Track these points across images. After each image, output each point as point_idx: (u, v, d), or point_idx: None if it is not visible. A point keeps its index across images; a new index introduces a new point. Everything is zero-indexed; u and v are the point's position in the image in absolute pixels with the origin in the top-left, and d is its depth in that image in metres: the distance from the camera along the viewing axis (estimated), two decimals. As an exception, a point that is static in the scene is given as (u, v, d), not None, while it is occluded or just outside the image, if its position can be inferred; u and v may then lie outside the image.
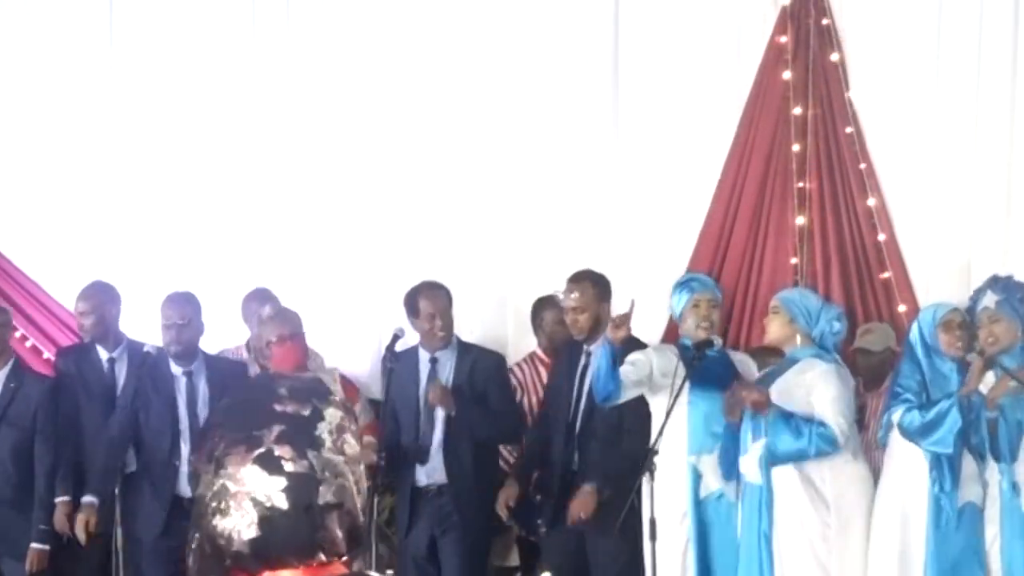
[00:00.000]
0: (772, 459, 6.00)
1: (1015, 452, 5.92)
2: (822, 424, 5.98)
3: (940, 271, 7.02)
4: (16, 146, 8.02)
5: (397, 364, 6.63)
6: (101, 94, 8.01)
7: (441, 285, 6.84)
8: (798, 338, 6.19)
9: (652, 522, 6.00)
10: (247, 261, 7.78)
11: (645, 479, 5.91)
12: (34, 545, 6.68)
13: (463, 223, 7.63)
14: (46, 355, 7.66)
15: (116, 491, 6.61)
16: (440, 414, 6.68)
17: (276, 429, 2.01)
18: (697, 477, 6.24)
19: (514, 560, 7.17)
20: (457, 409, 6.61)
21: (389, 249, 7.71)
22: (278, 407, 2.03)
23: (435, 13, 7.75)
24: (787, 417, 5.97)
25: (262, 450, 1.99)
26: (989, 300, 6.09)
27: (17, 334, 7.63)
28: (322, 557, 1.99)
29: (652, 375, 6.21)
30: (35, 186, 7.98)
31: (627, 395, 6.17)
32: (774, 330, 6.25)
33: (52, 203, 7.97)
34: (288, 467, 1.99)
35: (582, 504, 6.38)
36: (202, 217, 7.90)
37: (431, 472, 6.66)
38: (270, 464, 1.98)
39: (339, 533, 2.00)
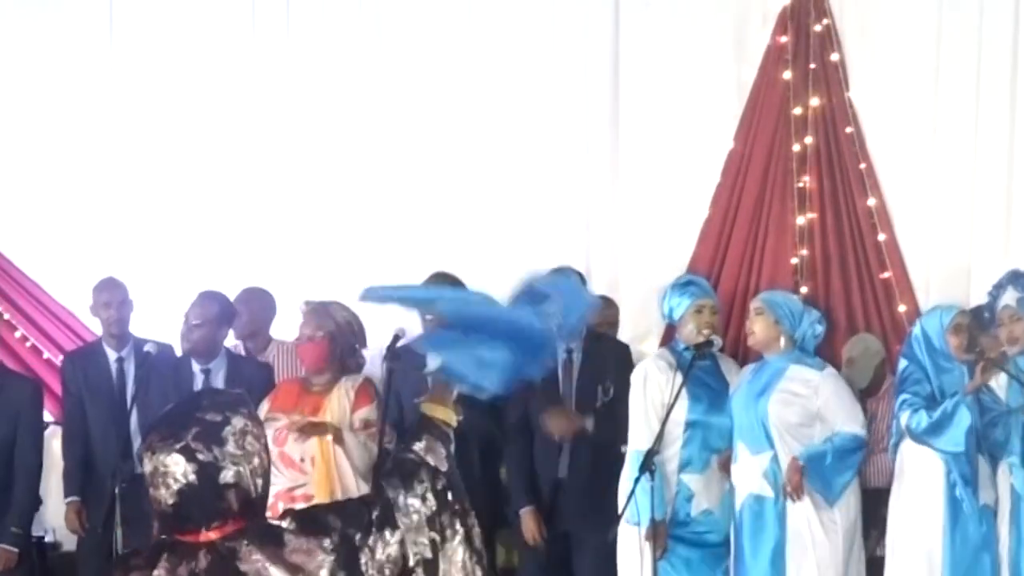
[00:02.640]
0: (837, 497, 6.00)
1: None
2: (838, 434, 6.00)
3: (940, 271, 7.02)
4: (17, 146, 8.03)
5: (399, 363, 6.60)
6: (101, 94, 8.01)
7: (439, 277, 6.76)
8: (781, 340, 6.18)
9: (652, 522, 6.00)
10: (247, 261, 7.79)
11: (645, 479, 5.89)
12: (3, 546, 6.63)
13: (463, 222, 7.64)
14: (46, 355, 7.66)
15: (116, 492, 6.58)
16: None
17: (194, 430, 2.91)
18: (689, 497, 6.23)
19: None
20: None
21: (390, 248, 7.71)
22: (198, 415, 2.95)
23: (436, 13, 7.75)
24: (813, 463, 5.99)
25: (182, 443, 2.90)
26: (1010, 298, 6.01)
27: (17, 334, 7.64)
28: (224, 520, 2.91)
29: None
30: (36, 186, 7.99)
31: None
32: (759, 332, 6.20)
33: (52, 203, 7.97)
34: (200, 456, 2.90)
35: (564, 424, 6.32)
36: (202, 217, 7.91)
37: None
38: (188, 454, 2.89)
39: (235, 505, 2.91)
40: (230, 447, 2.91)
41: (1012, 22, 6.91)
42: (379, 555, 2.96)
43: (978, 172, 7.01)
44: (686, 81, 7.39)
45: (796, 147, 7.12)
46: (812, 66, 7.12)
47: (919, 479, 5.99)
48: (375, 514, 2.98)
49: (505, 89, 7.64)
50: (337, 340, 6.33)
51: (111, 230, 7.94)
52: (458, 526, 3.08)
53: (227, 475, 2.89)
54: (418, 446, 3.12)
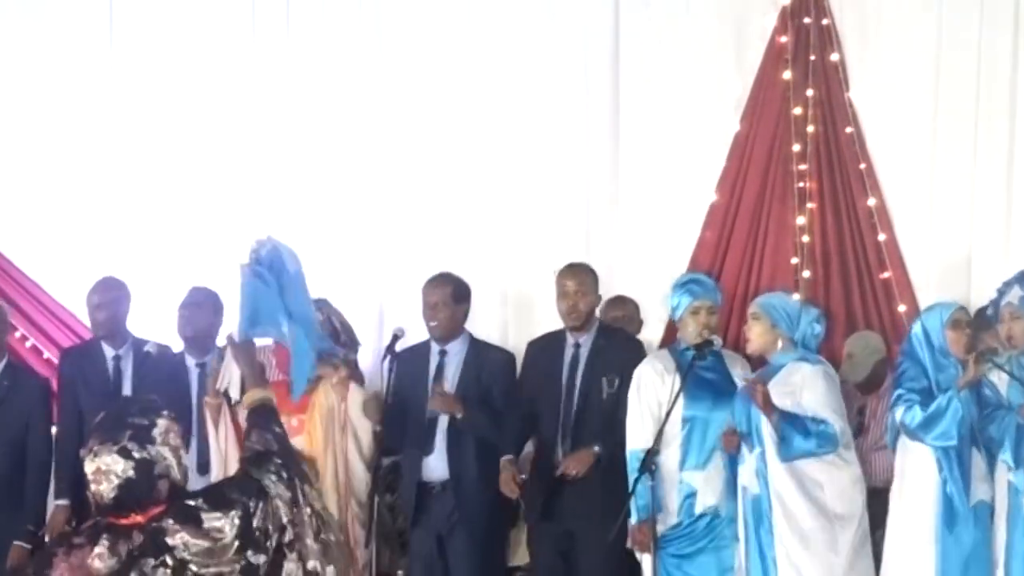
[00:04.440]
0: (785, 456, 5.97)
1: None
2: (823, 422, 5.98)
3: (940, 271, 7.02)
4: (17, 146, 8.03)
5: (397, 362, 6.61)
6: (101, 94, 8.01)
7: (443, 279, 6.72)
8: (779, 343, 6.18)
9: (653, 522, 6.01)
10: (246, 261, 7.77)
11: (645, 478, 5.90)
12: (16, 543, 6.64)
13: (463, 221, 7.64)
14: (46, 355, 7.66)
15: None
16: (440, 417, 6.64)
17: (128, 432, 3.52)
18: (691, 493, 6.23)
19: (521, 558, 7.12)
20: (465, 410, 6.52)
21: (390, 248, 7.72)
22: (130, 419, 3.56)
23: (436, 13, 7.76)
24: (792, 419, 5.96)
25: (120, 445, 3.51)
26: (1014, 296, 6.03)
27: (17, 334, 7.63)
28: (153, 505, 3.52)
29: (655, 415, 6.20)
30: (35, 186, 7.99)
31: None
32: (756, 337, 6.21)
33: (52, 203, 7.98)
34: (135, 455, 3.50)
35: (580, 461, 6.34)
36: (202, 216, 7.91)
37: (436, 467, 6.61)
38: (125, 453, 3.50)
39: (164, 492, 3.53)
40: (159, 445, 3.54)
41: (1012, 22, 6.92)
42: (265, 525, 3.57)
43: (978, 172, 7.01)
44: (686, 81, 7.39)
45: (796, 147, 7.12)
46: (812, 64, 7.12)
47: (915, 477, 5.99)
48: (258, 486, 3.61)
49: (505, 88, 7.64)
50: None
51: (111, 230, 7.94)
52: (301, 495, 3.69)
53: (158, 468, 3.52)
54: (253, 439, 3.81)
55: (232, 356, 4.29)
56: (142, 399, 3.81)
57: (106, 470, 3.48)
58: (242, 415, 5.94)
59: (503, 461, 6.46)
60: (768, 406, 5.92)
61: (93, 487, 3.51)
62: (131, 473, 3.48)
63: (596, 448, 6.35)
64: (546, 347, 6.71)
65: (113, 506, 3.49)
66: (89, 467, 3.51)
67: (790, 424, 5.93)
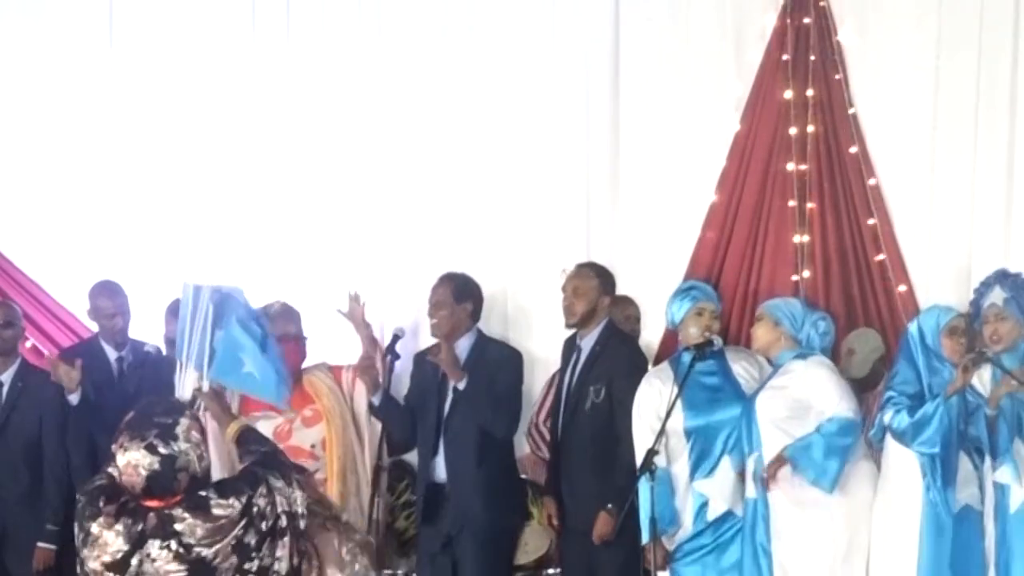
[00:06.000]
0: (832, 486, 5.96)
1: (1013, 448, 5.89)
2: (828, 420, 5.98)
3: (940, 273, 7.02)
4: (17, 146, 8.03)
5: (412, 366, 6.66)
6: (101, 94, 8.02)
7: (445, 278, 6.78)
8: (782, 340, 6.19)
9: (653, 522, 6.02)
10: (247, 261, 7.79)
11: (645, 479, 5.90)
12: (40, 544, 6.65)
13: (464, 221, 7.64)
14: (46, 355, 7.66)
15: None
16: (446, 409, 6.65)
17: (154, 431, 4.02)
18: (704, 503, 6.23)
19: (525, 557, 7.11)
20: (468, 382, 6.52)
21: (390, 250, 7.72)
22: (156, 419, 4.06)
23: (436, 15, 7.76)
24: (801, 454, 5.96)
25: (147, 442, 4.01)
26: (997, 296, 6.04)
27: (18, 334, 7.64)
28: (173, 494, 4.03)
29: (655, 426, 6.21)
30: (35, 186, 8.00)
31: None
32: (760, 335, 6.26)
33: (52, 203, 7.98)
34: (160, 450, 4.01)
35: (603, 526, 6.36)
36: (202, 217, 7.91)
37: (443, 468, 6.63)
38: (151, 449, 4.01)
39: (185, 482, 4.03)
40: (181, 441, 4.03)
41: (1012, 22, 6.92)
42: (265, 507, 4.06)
43: (978, 172, 7.01)
44: (686, 81, 7.40)
45: (796, 147, 7.12)
46: (812, 64, 7.12)
47: (900, 480, 5.99)
48: (262, 478, 4.11)
49: (505, 88, 7.63)
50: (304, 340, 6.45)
51: (111, 230, 7.95)
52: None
53: (180, 462, 4.03)
54: (247, 461, 4.29)
55: (205, 404, 4.97)
56: (165, 399, 4.33)
57: (135, 464, 3.99)
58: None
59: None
60: (773, 477, 5.97)
61: (125, 479, 4.02)
62: (157, 467, 3.99)
63: (608, 506, 6.35)
64: (568, 345, 6.78)
65: (143, 493, 4.01)
66: (120, 460, 4.03)
67: (801, 462, 5.94)
